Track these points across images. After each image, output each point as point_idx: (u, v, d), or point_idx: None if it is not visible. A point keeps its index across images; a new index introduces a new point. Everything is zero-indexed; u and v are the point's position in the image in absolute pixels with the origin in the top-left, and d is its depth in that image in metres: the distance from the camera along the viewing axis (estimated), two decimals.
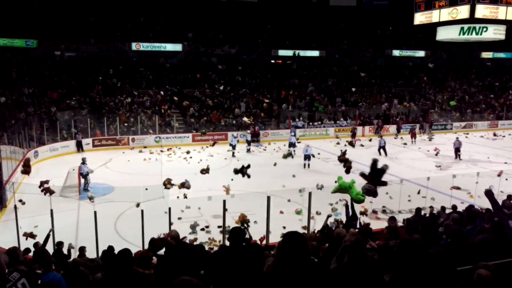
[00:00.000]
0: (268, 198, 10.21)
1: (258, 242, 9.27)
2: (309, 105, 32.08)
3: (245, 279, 3.59)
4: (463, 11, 23.73)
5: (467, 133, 31.03)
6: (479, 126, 33.70)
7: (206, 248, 9.34)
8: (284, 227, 10.69)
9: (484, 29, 25.38)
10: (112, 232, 11.86)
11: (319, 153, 22.74)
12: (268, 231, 10.26)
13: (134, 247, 8.55)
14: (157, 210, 11.30)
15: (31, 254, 8.36)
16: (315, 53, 38.46)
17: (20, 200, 12.25)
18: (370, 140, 27.81)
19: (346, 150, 15.30)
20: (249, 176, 12.73)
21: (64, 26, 31.19)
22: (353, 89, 34.77)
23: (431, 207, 11.27)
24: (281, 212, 12.83)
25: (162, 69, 32.65)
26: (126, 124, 26.61)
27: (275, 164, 19.61)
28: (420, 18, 27.06)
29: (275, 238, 9.75)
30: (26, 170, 10.84)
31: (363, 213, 11.79)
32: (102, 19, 33.11)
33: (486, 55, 43.67)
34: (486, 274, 3.63)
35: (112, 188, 16.13)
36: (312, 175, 17.77)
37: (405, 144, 26.90)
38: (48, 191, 11.54)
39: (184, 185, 11.87)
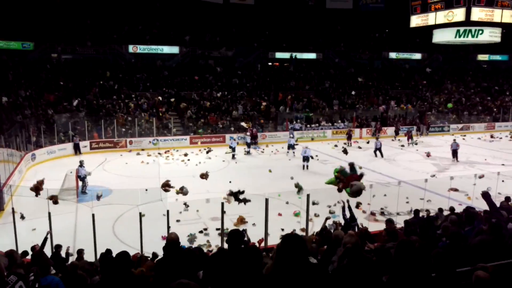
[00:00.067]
0: (267, 200, 10.21)
1: (257, 244, 9.27)
2: (306, 107, 32.13)
3: (243, 281, 3.59)
4: (459, 14, 23.89)
5: (464, 135, 31.15)
6: (476, 128, 33.84)
7: (205, 250, 9.33)
8: (282, 229, 10.69)
9: (480, 31, 25.54)
10: (110, 235, 11.83)
11: (317, 155, 22.77)
12: (266, 234, 10.26)
13: (132, 250, 8.55)
14: (155, 212, 11.27)
15: (28, 257, 8.34)
16: (312, 56, 38.61)
17: (22, 216, 12.13)
18: (368, 142, 27.88)
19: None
20: (245, 202, 11.77)
21: (60, 28, 31.17)
22: (353, 93, 34.83)
23: (427, 210, 11.30)
24: (279, 215, 12.83)
25: (159, 72, 32.64)
26: (124, 129, 26.53)
27: (270, 171, 19.43)
28: (416, 20, 27.22)
29: (273, 240, 9.75)
30: (38, 188, 10.76)
31: (359, 204, 11.88)
32: (99, 22, 33.09)
33: (482, 57, 43.93)
34: (484, 275, 3.65)
35: (110, 190, 16.08)
36: (311, 177, 17.78)
37: (402, 146, 26.98)
38: (37, 190, 11.39)
39: (182, 190, 11.83)
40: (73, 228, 12.29)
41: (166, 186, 12.81)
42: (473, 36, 25.69)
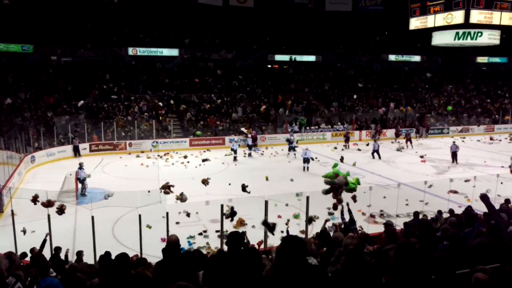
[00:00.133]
0: (266, 202, 10.21)
1: (256, 246, 9.27)
2: (306, 110, 32.17)
3: (243, 283, 3.59)
4: (458, 16, 23.91)
5: (464, 137, 31.17)
6: (476, 130, 33.84)
7: (204, 252, 9.31)
8: (282, 231, 10.68)
9: (479, 34, 25.58)
10: (109, 237, 11.83)
11: (317, 158, 22.77)
12: (266, 236, 10.25)
13: (132, 252, 8.54)
14: (155, 215, 11.26)
15: (27, 259, 8.33)
16: (311, 58, 38.66)
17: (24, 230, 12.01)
18: (368, 144, 27.88)
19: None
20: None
21: (60, 31, 31.20)
22: (355, 96, 34.82)
23: (424, 215, 11.30)
24: (279, 217, 12.82)
25: (159, 74, 32.67)
26: (124, 133, 26.51)
27: (267, 179, 18.39)
28: (415, 23, 27.25)
29: (272, 242, 9.73)
30: (48, 204, 10.75)
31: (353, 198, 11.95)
32: (99, 24, 33.14)
33: (481, 59, 44.03)
34: (484, 277, 3.65)
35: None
36: (311, 178, 17.78)
37: (402, 148, 26.98)
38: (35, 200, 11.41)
39: (182, 197, 11.81)
40: (73, 230, 12.28)
41: (166, 188, 12.83)
42: (472, 39, 25.73)
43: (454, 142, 23.21)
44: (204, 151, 25.75)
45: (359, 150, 26.43)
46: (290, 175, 18.78)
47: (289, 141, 24.50)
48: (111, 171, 20.76)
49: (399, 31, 36.10)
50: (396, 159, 23.68)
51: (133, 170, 20.79)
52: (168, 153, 24.89)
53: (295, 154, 23.76)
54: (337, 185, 11.12)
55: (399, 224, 9.80)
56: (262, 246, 9.75)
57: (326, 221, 9.84)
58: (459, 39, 25.99)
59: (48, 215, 9.96)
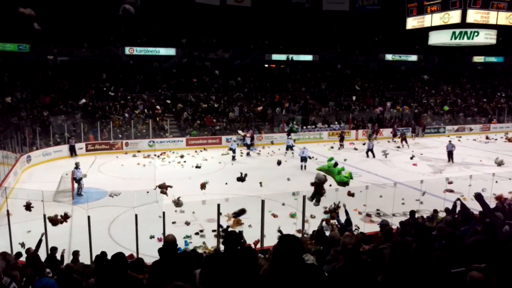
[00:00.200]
0: (263, 202, 10.21)
1: (252, 246, 9.27)
2: (303, 109, 32.18)
3: (239, 282, 3.59)
4: (454, 16, 24.00)
5: (460, 137, 31.27)
6: (472, 129, 33.95)
7: (200, 251, 9.30)
8: (279, 231, 10.67)
9: (476, 33, 25.68)
10: (106, 237, 11.80)
11: (314, 157, 22.80)
12: (262, 235, 10.25)
13: (128, 252, 8.51)
14: (151, 214, 11.24)
15: (22, 259, 8.30)
16: (309, 58, 38.67)
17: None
18: (364, 144, 27.93)
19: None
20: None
21: (57, 30, 31.05)
22: (354, 98, 34.83)
23: (421, 216, 11.33)
24: (275, 216, 12.83)
25: (156, 74, 32.60)
26: (120, 132, 26.43)
27: (261, 184, 16.88)
28: (412, 22, 27.33)
29: (269, 242, 9.74)
30: (55, 221, 10.72)
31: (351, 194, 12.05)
32: (95, 23, 33.01)
33: (477, 59, 44.17)
34: (479, 276, 3.66)
35: (105, 192, 16.02)
36: (308, 177, 17.75)
37: (398, 147, 27.05)
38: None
39: (178, 202, 11.78)
40: (69, 230, 12.21)
41: (163, 188, 12.80)
42: (468, 38, 25.83)
43: (450, 141, 23.29)
44: (201, 151, 25.75)
45: (355, 149, 26.48)
46: (287, 174, 18.78)
47: (289, 147, 24.44)
48: (108, 170, 20.70)
49: (396, 30, 36.11)
50: (393, 158, 23.74)
51: (129, 170, 20.74)
52: (164, 152, 24.85)
53: (293, 153, 23.80)
54: (319, 182, 11.13)
55: (395, 223, 9.82)
56: (258, 246, 9.75)
57: (323, 220, 9.87)
58: (455, 38, 26.08)
59: (44, 215, 9.92)
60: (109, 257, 5.41)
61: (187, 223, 12.68)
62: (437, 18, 25.13)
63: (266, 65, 38.09)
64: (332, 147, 26.77)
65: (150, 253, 8.51)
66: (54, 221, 10.17)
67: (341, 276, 3.74)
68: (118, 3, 9.48)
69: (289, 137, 25.59)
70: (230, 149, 23.50)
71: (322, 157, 23.33)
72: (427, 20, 25.92)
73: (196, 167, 19.74)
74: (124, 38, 33.42)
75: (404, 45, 41.24)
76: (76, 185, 16.15)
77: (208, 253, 9.08)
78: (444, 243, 5.46)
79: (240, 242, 5.00)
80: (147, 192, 12.47)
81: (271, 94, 33.35)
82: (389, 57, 41.10)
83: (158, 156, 23.71)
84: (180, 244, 10.31)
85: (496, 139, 30.45)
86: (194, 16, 35.38)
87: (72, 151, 23.69)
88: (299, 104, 32.53)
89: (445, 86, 39.56)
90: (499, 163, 20.40)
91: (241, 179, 15.08)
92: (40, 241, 8.79)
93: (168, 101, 29.88)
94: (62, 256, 8.87)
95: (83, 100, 27.30)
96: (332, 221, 10.25)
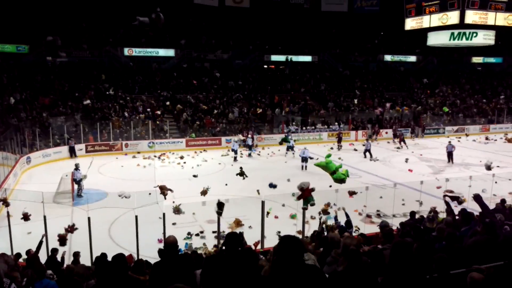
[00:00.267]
0: (263, 203, 10.22)
1: (253, 247, 9.27)
2: (302, 110, 32.19)
3: (240, 283, 3.60)
4: (453, 17, 24.05)
5: (459, 137, 31.30)
6: (471, 130, 33.97)
7: (200, 252, 9.31)
8: (279, 232, 10.70)
9: (474, 34, 25.73)
10: (106, 238, 11.79)
11: (314, 157, 22.80)
12: (263, 236, 10.26)
13: (128, 253, 8.52)
14: (151, 215, 11.24)
15: (21, 260, 8.31)
16: (308, 58, 38.71)
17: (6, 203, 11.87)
18: (364, 144, 27.93)
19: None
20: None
21: (56, 31, 31.00)
22: (355, 101, 34.82)
23: (421, 216, 11.34)
24: (276, 217, 12.83)
25: (155, 75, 32.60)
26: (119, 131, 26.43)
27: (258, 192, 15.40)
28: (411, 23, 27.38)
29: (270, 243, 9.75)
30: (64, 239, 10.70)
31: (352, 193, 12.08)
32: (94, 25, 33.00)
33: (476, 60, 44.25)
34: (479, 277, 3.68)
35: (105, 193, 16.05)
36: (309, 177, 17.77)
37: (398, 148, 27.07)
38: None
39: (178, 210, 11.77)
40: None
41: (163, 189, 12.78)
42: (467, 39, 25.89)
43: (449, 142, 23.32)
44: (201, 152, 25.75)
45: (355, 150, 26.50)
46: (287, 175, 18.79)
47: (290, 147, 24.45)
48: (108, 172, 20.70)
49: (395, 31, 36.21)
50: (393, 159, 23.76)
51: (129, 171, 20.73)
52: (164, 153, 24.84)
53: (293, 154, 23.84)
54: (304, 188, 10.97)
55: (395, 224, 9.84)
56: (259, 247, 9.76)
57: (323, 222, 9.87)
58: (454, 39, 26.14)
59: (44, 216, 9.92)
60: (109, 258, 5.43)
61: (189, 234, 12.42)
62: (436, 19, 25.18)
63: (265, 66, 38.11)
64: (332, 148, 26.77)
65: (150, 255, 8.53)
66: (63, 239, 9.97)
67: (342, 277, 3.75)
68: (118, 3, 9.49)
69: (290, 138, 25.51)
70: (232, 150, 23.50)
71: (322, 158, 23.33)
72: (426, 21, 25.97)
73: (194, 176, 19.30)
74: (123, 39, 33.40)
75: (403, 46, 41.32)
76: (76, 186, 16.14)
77: (208, 254, 9.09)
78: (444, 244, 5.46)
79: (241, 243, 5.01)
80: (149, 193, 12.45)
81: (271, 95, 33.36)
82: (388, 58, 41.18)
83: (158, 157, 23.71)
84: (181, 245, 10.31)
85: (495, 140, 30.48)
86: (193, 17, 35.40)
87: (72, 152, 23.68)
88: (299, 105, 32.55)
89: (444, 87, 39.61)
90: (488, 167, 20.25)
91: (241, 173, 15.08)
92: (40, 243, 8.80)
93: (167, 103, 29.86)
94: (62, 258, 8.88)
95: (88, 101, 27.29)
96: (329, 222, 10.24)
